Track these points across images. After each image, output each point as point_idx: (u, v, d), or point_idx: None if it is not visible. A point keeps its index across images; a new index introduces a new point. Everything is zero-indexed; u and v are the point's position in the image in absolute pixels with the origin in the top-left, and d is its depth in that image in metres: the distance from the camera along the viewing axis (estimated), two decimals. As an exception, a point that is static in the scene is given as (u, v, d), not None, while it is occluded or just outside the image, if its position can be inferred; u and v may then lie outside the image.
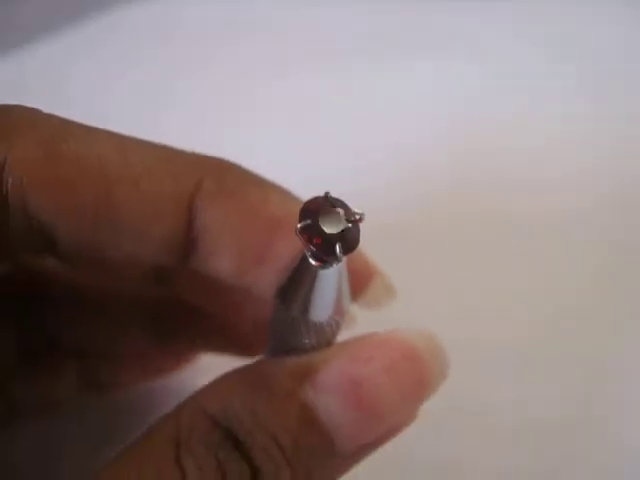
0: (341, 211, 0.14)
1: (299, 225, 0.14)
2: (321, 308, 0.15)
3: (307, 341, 0.16)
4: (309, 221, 0.14)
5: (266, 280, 0.17)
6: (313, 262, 0.14)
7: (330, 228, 0.14)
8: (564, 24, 0.41)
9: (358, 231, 0.14)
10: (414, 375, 0.16)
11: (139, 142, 0.17)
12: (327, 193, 0.14)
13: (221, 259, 0.17)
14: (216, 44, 0.41)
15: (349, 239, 0.14)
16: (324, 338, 0.16)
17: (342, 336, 0.17)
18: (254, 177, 0.18)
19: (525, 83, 0.38)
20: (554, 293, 0.29)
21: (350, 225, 0.14)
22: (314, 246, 0.13)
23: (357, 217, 0.14)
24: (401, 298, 0.20)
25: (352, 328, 0.18)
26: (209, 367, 0.24)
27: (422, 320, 0.22)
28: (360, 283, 0.18)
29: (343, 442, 0.15)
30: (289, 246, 0.17)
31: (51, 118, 0.17)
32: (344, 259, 0.14)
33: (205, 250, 0.17)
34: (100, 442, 0.23)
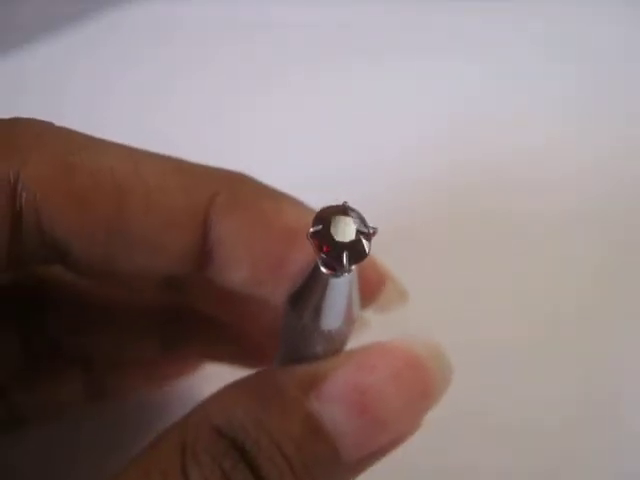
0: (355, 221, 0.14)
1: (311, 230, 0.14)
2: (332, 316, 0.15)
3: (317, 348, 0.16)
4: (320, 227, 0.14)
5: (281, 291, 0.17)
6: (324, 270, 0.14)
7: (340, 237, 0.14)
8: (564, 24, 0.41)
9: (369, 243, 0.14)
10: (418, 383, 0.16)
11: (150, 154, 0.17)
12: (345, 203, 0.14)
13: (236, 270, 0.18)
14: (216, 44, 0.41)
15: (358, 250, 0.14)
16: (334, 345, 0.16)
17: (353, 342, 0.17)
18: (268, 189, 0.18)
19: (525, 83, 0.38)
20: (554, 293, 0.29)
21: (361, 236, 0.14)
22: (324, 253, 0.14)
23: (370, 230, 0.14)
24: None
25: (365, 333, 0.18)
26: (216, 375, 0.24)
27: (421, 321, 0.22)
28: (372, 288, 0.18)
29: (348, 451, 0.15)
30: (304, 257, 0.16)
31: (63, 131, 0.17)
32: (355, 268, 0.14)
33: (220, 262, 0.17)
34: (105, 449, 0.23)
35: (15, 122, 0.17)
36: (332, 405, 0.15)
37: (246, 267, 0.17)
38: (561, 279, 0.30)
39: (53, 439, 0.23)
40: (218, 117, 0.37)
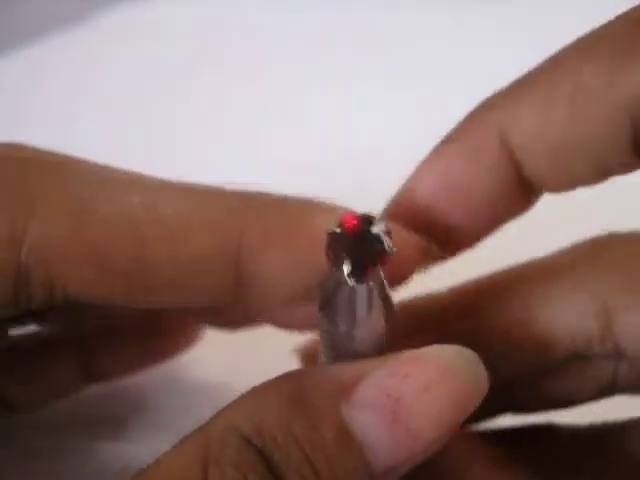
0: (372, 228, 0.14)
1: (327, 242, 0.13)
2: (364, 319, 0.15)
3: (357, 351, 0.16)
4: (337, 237, 0.14)
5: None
6: (348, 280, 0.14)
7: (359, 244, 0.14)
8: (564, 24, 0.41)
9: (389, 244, 0.14)
10: (451, 394, 0.15)
11: (169, 189, 0.16)
12: (365, 213, 0.14)
13: (275, 296, 0.17)
14: (217, 43, 0.41)
15: (378, 253, 0.14)
16: (373, 347, 0.16)
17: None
18: (295, 205, 0.17)
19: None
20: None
21: (380, 240, 0.14)
22: (343, 263, 0.13)
23: (388, 231, 0.14)
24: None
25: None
26: (217, 359, 0.24)
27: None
28: (411, 263, 0.18)
29: (378, 462, 0.15)
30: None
31: (76, 171, 0.16)
32: (379, 269, 0.14)
33: (256, 292, 0.17)
34: (100, 431, 0.23)
35: (23, 168, 0.16)
36: (363, 413, 0.15)
37: (286, 290, 0.17)
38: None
39: (46, 422, 0.23)
40: (218, 116, 0.37)
